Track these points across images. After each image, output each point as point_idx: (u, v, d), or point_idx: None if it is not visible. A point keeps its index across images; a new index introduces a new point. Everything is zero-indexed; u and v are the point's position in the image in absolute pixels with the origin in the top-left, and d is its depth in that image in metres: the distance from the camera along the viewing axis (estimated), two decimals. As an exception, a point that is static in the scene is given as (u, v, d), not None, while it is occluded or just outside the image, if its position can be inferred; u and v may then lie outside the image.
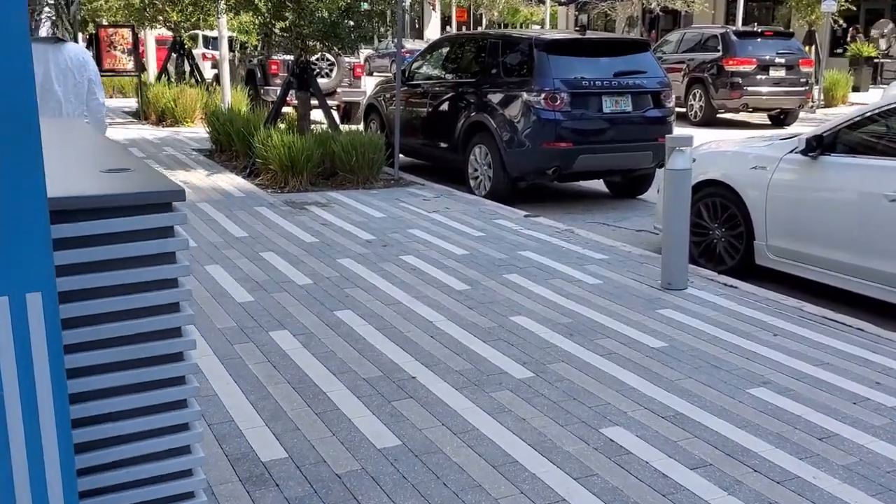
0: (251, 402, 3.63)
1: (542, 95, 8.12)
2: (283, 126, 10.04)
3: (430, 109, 9.79)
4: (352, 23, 9.55)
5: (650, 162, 8.70)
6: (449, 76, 9.81)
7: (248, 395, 3.71)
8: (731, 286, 5.55)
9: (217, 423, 3.43)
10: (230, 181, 8.97)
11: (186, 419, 1.86)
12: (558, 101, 8.13)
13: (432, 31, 51.26)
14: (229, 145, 10.35)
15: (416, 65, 10.64)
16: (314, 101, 10.06)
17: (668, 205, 5.50)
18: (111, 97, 19.43)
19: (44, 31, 5.77)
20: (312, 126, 9.94)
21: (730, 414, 3.64)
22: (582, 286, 5.41)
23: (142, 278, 1.76)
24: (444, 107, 9.52)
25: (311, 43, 9.51)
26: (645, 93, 8.66)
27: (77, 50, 5.65)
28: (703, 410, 3.66)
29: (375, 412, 3.55)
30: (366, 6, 9.74)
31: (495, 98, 8.64)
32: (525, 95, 8.25)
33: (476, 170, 8.89)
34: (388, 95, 10.85)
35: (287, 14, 9.19)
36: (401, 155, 9.62)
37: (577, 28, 9.59)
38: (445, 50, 10.24)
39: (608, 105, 8.38)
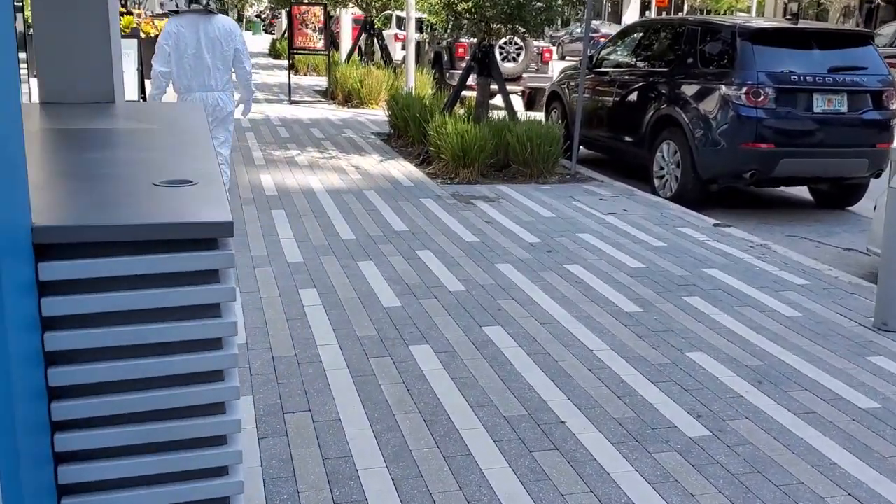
0: (375, 434, 3.20)
1: (744, 90, 7.23)
2: (461, 112, 9.66)
3: (616, 99, 9.08)
4: (540, 4, 8.97)
5: (865, 170, 7.61)
6: (639, 64, 9.05)
7: (374, 423, 3.28)
8: (966, 332, 4.58)
9: (333, 457, 3.03)
10: (402, 168, 8.68)
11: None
12: (761, 97, 7.21)
13: (631, 16, 49.50)
14: (406, 130, 10.09)
15: (605, 51, 9.93)
16: (494, 87, 9.60)
17: (889, 229, 4.60)
18: (305, 75, 19.89)
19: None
20: (491, 113, 9.48)
21: (964, 513, 2.84)
22: (777, 318, 4.63)
23: (169, 337, 1.32)
24: (632, 97, 8.78)
25: (494, 25, 9.03)
26: (863, 92, 7.56)
27: (225, 21, 6.19)
28: (926, 505, 2.88)
29: (512, 464, 3.03)
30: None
31: (689, 90, 7.82)
32: (724, 89, 7.39)
33: (662, 168, 8.12)
34: (572, 83, 10.20)
35: (472, -5, 8.77)
36: (581, 147, 8.99)
37: (788, 16, 8.52)
38: (638, 36, 9.46)
39: (819, 104, 7.36)
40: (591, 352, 4.06)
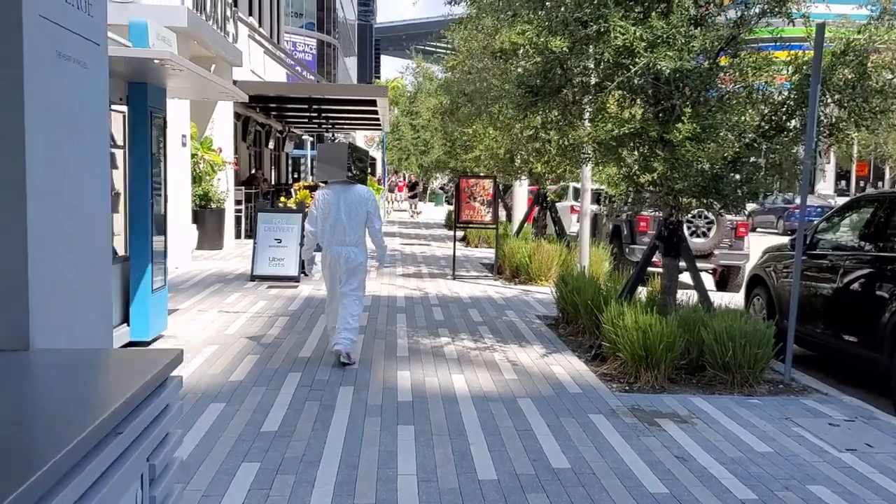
0: None
1: None
2: (642, 296, 8.14)
3: (838, 288, 7.31)
4: (738, 176, 7.48)
5: None
6: (869, 247, 7.28)
7: None
8: None
9: None
10: (568, 366, 7.19)
11: None
12: None
13: (825, 185, 46.88)
14: (575, 317, 8.66)
15: (821, 228, 8.22)
16: (682, 263, 8.04)
17: None
18: (476, 247, 19.14)
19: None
20: (679, 299, 7.88)
21: None
22: None
23: None
24: (861, 287, 7.01)
25: (684, 199, 7.60)
26: None
27: (362, 189, 7.23)
28: None
29: None
30: (756, 159, 7.60)
31: (948, 283, 5.98)
32: None
33: (913, 384, 6.19)
34: (779, 266, 8.50)
35: (657, 165, 7.41)
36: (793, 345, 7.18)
37: None
38: (866, 212, 7.71)
39: None
40: None
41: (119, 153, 7.70)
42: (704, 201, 7.45)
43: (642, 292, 8.34)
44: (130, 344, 7.46)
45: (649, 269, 8.61)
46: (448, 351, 7.64)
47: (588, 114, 8.13)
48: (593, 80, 7.73)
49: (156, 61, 5.87)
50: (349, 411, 5.62)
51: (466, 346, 7.91)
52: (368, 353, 7.44)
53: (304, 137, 36.86)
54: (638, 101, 7.76)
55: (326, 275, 7.23)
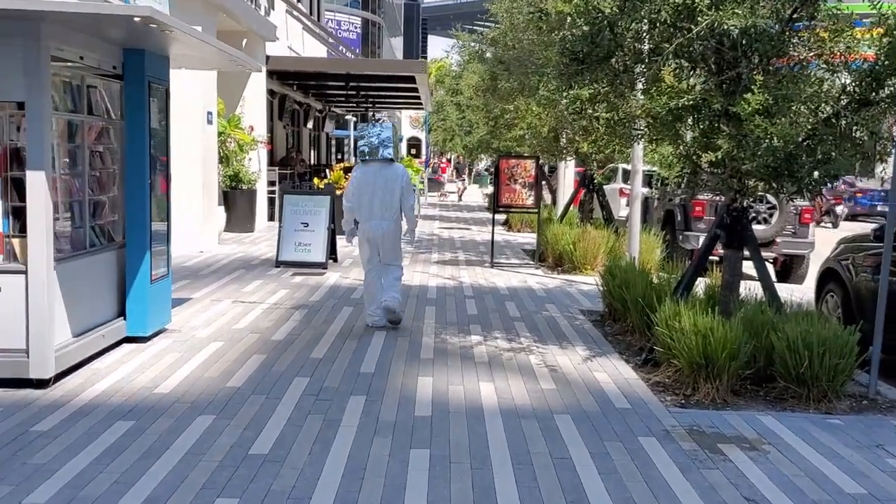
0: None
1: None
2: (698, 289, 7.19)
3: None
4: (813, 157, 6.45)
5: None
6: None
7: None
8: None
9: None
10: (614, 373, 6.29)
11: None
12: None
13: (885, 167, 44.71)
14: (623, 314, 7.74)
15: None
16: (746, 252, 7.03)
17: None
18: (518, 231, 18.27)
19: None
20: (740, 293, 6.90)
21: None
22: None
23: None
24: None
25: (751, 182, 6.63)
26: None
27: (397, 168, 7.59)
28: None
29: None
30: (834, 136, 6.53)
31: None
32: None
33: None
34: (859, 258, 7.47)
35: (720, 143, 6.41)
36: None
37: None
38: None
39: None
40: None
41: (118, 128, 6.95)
42: (775, 185, 6.46)
43: (699, 285, 7.38)
44: (127, 340, 6.74)
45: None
46: (478, 353, 6.78)
47: (641, 84, 7.16)
48: (647, 46, 6.78)
49: (136, 19, 5.07)
50: (356, 428, 4.81)
51: (500, 346, 7.04)
52: (388, 354, 6.62)
53: (347, 118, 36.07)
54: (697, 70, 6.78)
55: (364, 249, 7.61)
